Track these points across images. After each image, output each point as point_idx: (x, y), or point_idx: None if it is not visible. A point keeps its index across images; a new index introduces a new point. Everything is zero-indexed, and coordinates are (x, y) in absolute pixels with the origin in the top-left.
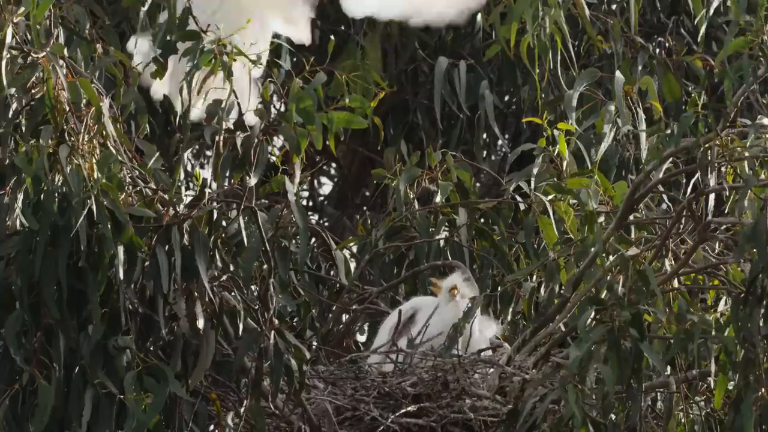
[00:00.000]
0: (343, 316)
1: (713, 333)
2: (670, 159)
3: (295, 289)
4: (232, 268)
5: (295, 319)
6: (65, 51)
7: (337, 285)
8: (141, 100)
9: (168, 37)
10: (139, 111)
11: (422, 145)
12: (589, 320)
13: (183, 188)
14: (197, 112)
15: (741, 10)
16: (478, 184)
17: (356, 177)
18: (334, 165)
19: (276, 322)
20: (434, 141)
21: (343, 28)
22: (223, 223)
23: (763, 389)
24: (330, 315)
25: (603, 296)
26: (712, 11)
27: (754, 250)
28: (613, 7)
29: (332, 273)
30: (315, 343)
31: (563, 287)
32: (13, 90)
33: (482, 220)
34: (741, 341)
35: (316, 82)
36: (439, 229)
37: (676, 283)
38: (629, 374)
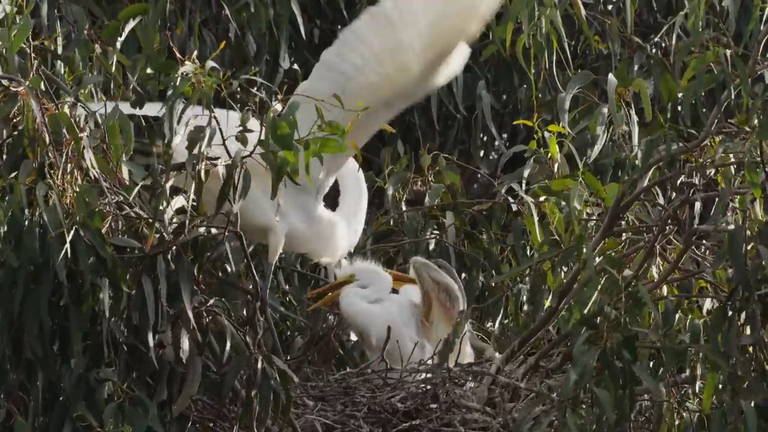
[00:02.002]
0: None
1: (701, 341)
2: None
3: (283, 292)
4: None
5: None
6: (42, 84)
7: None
8: (126, 118)
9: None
10: (125, 129)
11: (419, 146)
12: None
13: (167, 215)
14: (180, 148)
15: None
16: (475, 185)
17: None
18: None
19: (264, 347)
20: (431, 141)
21: (340, 27)
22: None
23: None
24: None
25: (589, 310)
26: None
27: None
28: (610, 7)
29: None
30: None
31: (550, 296)
32: None
33: (471, 223)
34: (722, 356)
35: (292, 110)
36: (426, 231)
37: (665, 290)
38: (623, 396)
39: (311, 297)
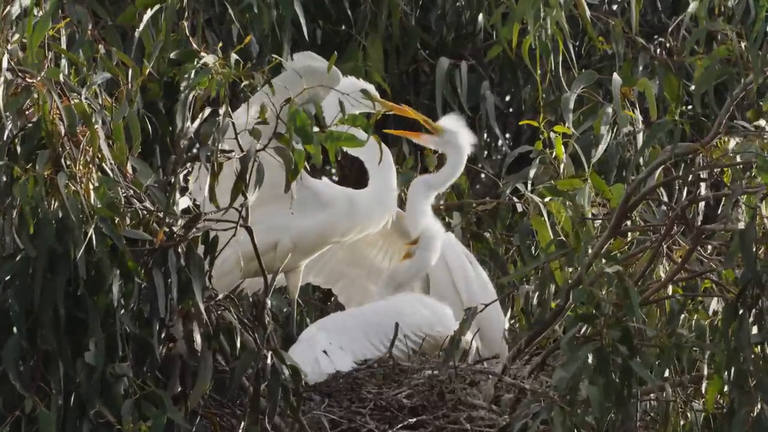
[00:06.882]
0: None
1: (707, 341)
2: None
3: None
4: None
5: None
6: (60, 75)
7: None
8: (134, 116)
9: (164, 57)
10: (133, 127)
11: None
12: (578, 335)
13: (179, 207)
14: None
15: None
16: (478, 185)
17: (357, 177)
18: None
19: (273, 341)
20: None
21: (344, 28)
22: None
23: (759, 401)
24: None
25: (589, 311)
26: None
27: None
28: (614, 7)
29: None
30: None
31: (557, 294)
32: (7, 113)
33: (476, 222)
34: (732, 353)
35: (314, 101)
36: None
37: (670, 290)
38: (619, 392)
39: None
